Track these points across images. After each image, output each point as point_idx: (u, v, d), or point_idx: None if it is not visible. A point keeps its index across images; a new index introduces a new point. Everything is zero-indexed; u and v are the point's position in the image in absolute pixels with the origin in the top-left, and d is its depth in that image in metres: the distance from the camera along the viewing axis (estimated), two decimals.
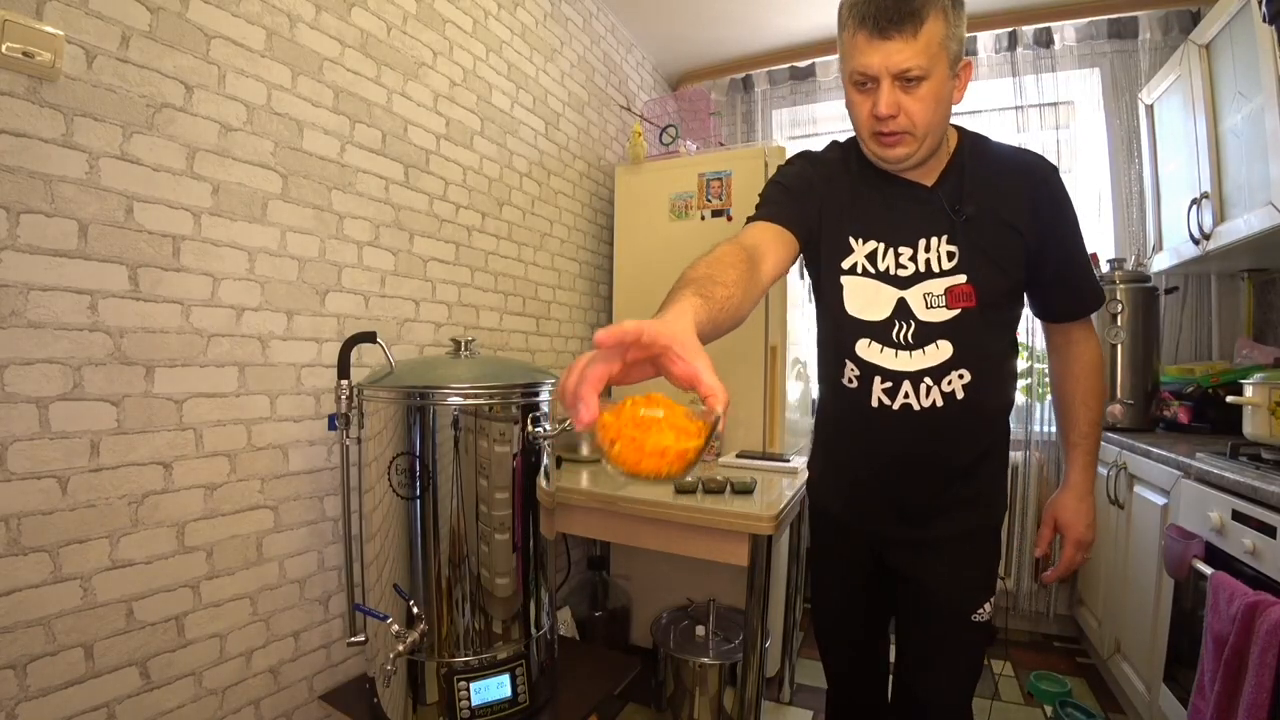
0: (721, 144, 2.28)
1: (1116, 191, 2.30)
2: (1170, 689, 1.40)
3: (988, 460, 1.01)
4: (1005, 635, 2.32)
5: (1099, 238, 2.35)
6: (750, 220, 0.98)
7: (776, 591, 1.88)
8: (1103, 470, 1.91)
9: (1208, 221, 1.70)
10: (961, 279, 0.91)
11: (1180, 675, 1.36)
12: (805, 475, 1.35)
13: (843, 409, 1.03)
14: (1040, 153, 0.99)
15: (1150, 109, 2.10)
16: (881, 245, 0.95)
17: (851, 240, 0.97)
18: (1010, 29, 2.34)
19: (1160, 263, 2.06)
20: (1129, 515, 1.73)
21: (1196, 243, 1.76)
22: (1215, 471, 1.26)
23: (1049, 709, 1.81)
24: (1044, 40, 2.32)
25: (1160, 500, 1.53)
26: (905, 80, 0.83)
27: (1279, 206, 1.39)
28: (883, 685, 1.20)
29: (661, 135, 2.18)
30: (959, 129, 0.99)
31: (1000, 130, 2.49)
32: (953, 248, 0.92)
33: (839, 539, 1.12)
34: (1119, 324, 1.99)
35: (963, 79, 0.88)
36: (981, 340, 0.93)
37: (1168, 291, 2.11)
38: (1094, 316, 1.76)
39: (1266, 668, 0.94)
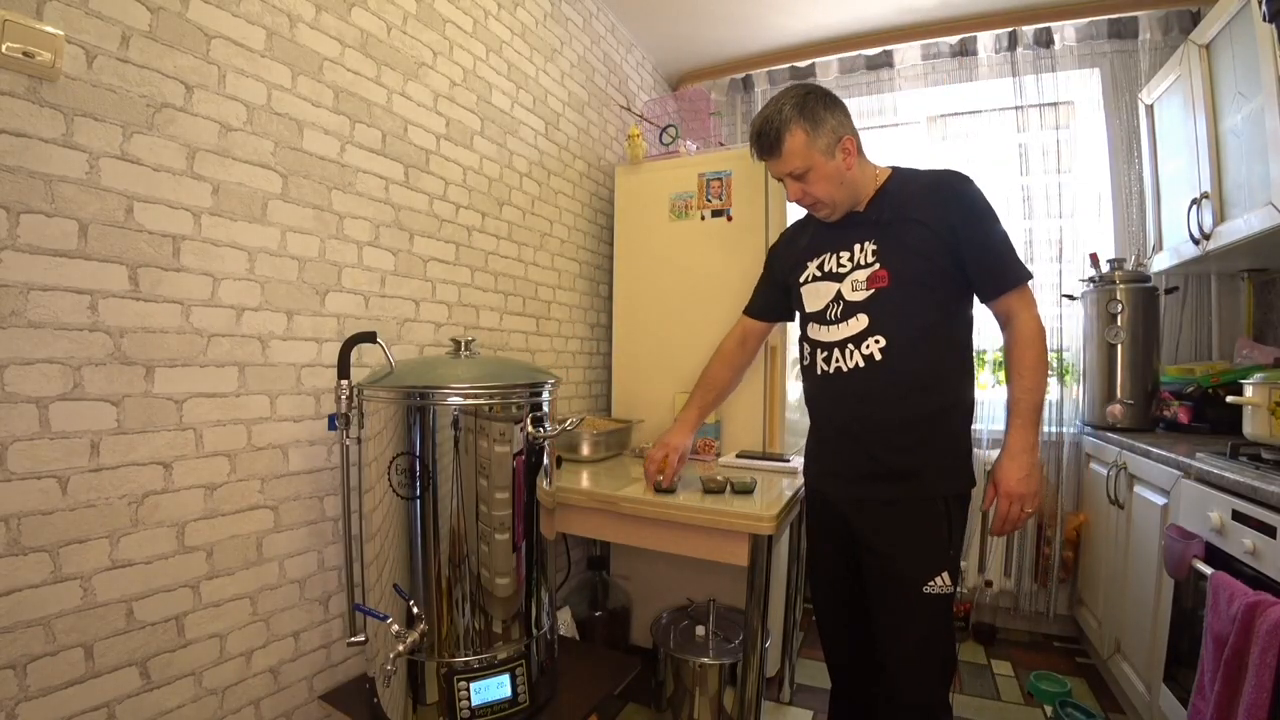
0: (721, 144, 2.28)
1: (1116, 191, 2.30)
2: (1170, 689, 1.40)
3: (921, 433, 1.16)
4: (1005, 635, 2.32)
5: (1099, 238, 2.36)
6: (745, 310, 1.52)
7: (776, 591, 1.88)
8: (1102, 470, 1.92)
9: (1208, 221, 1.70)
10: (877, 266, 1.19)
11: (1180, 675, 1.36)
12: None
13: (806, 384, 1.33)
14: (957, 170, 1.22)
15: (1150, 109, 2.10)
16: (829, 254, 1.27)
17: (808, 262, 1.31)
18: (1010, 29, 2.34)
19: (1160, 263, 2.06)
20: (1129, 515, 1.73)
21: (1196, 243, 1.76)
22: (1215, 471, 1.26)
23: (1049, 709, 1.81)
24: (1044, 40, 2.32)
25: (1160, 500, 1.53)
26: (795, 177, 1.21)
27: (1279, 206, 1.39)
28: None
29: (661, 135, 2.18)
30: (894, 168, 1.27)
31: (1000, 130, 2.50)
32: (874, 246, 1.20)
33: (819, 511, 1.33)
34: (1119, 324, 1.99)
35: (849, 151, 1.20)
36: (896, 313, 1.17)
37: (1168, 291, 2.10)
38: (1089, 314, 1.82)
39: (1266, 668, 0.94)
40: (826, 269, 1.26)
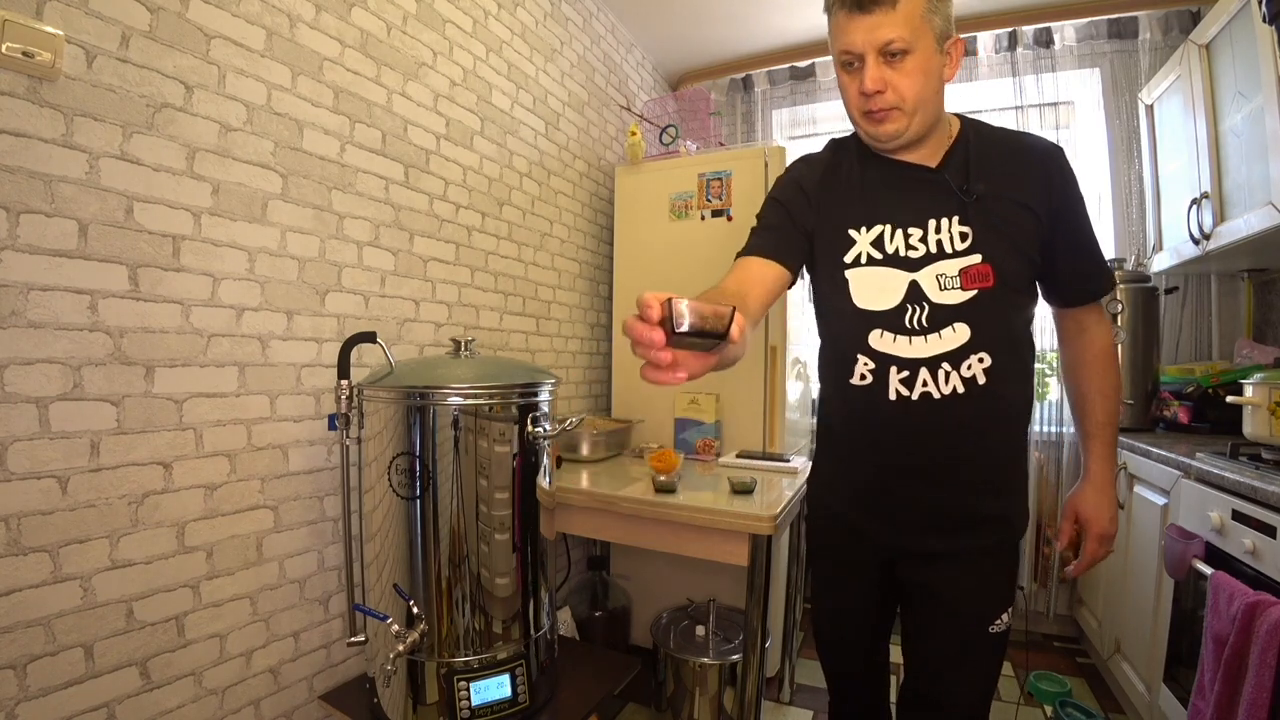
0: (721, 144, 2.28)
1: (1116, 191, 2.30)
2: (1170, 689, 1.40)
3: (1015, 469, 0.99)
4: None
5: (1099, 237, 2.35)
6: (741, 253, 0.99)
7: (776, 591, 1.88)
8: None
9: (1208, 221, 1.70)
10: (976, 259, 0.90)
11: (1180, 675, 1.36)
12: (805, 475, 1.34)
13: (855, 411, 0.98)
14: (1048, 138, 0.99)
15: (1150, 109, 2.10)
16: (888, 227, 0.94)
17: (852, 232, 0.96)
18: (1010, 29, 2.34)
19: (1160, 263, 2.06)
20: (1129, 515, 1.73)
21: (1196, 243, 1.76)
22: (1215, 471, 1.26)
23: (1049, 709, 1.81)
24: (1044, 40, 2.32)
25: (1160, 500, 1.53)
26: (889, 55, 0.84)
27: (1279, 206, 1.39)
28: (885, 685, 1.19)
29: (661, 135, 2.18)
30: (960, 116, 0.98)
31: None
32: (965, 228, 0.91)
33: (847, 543, 1.07)
34: (1119, 324, 1.99)
35: (954, 56, 0.89)
36: (1001, 323, 0.92)
37: (1168, 291, 2.11)
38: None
39: (1266, 668, 0.94)
40: (890, 250, 0.93)
